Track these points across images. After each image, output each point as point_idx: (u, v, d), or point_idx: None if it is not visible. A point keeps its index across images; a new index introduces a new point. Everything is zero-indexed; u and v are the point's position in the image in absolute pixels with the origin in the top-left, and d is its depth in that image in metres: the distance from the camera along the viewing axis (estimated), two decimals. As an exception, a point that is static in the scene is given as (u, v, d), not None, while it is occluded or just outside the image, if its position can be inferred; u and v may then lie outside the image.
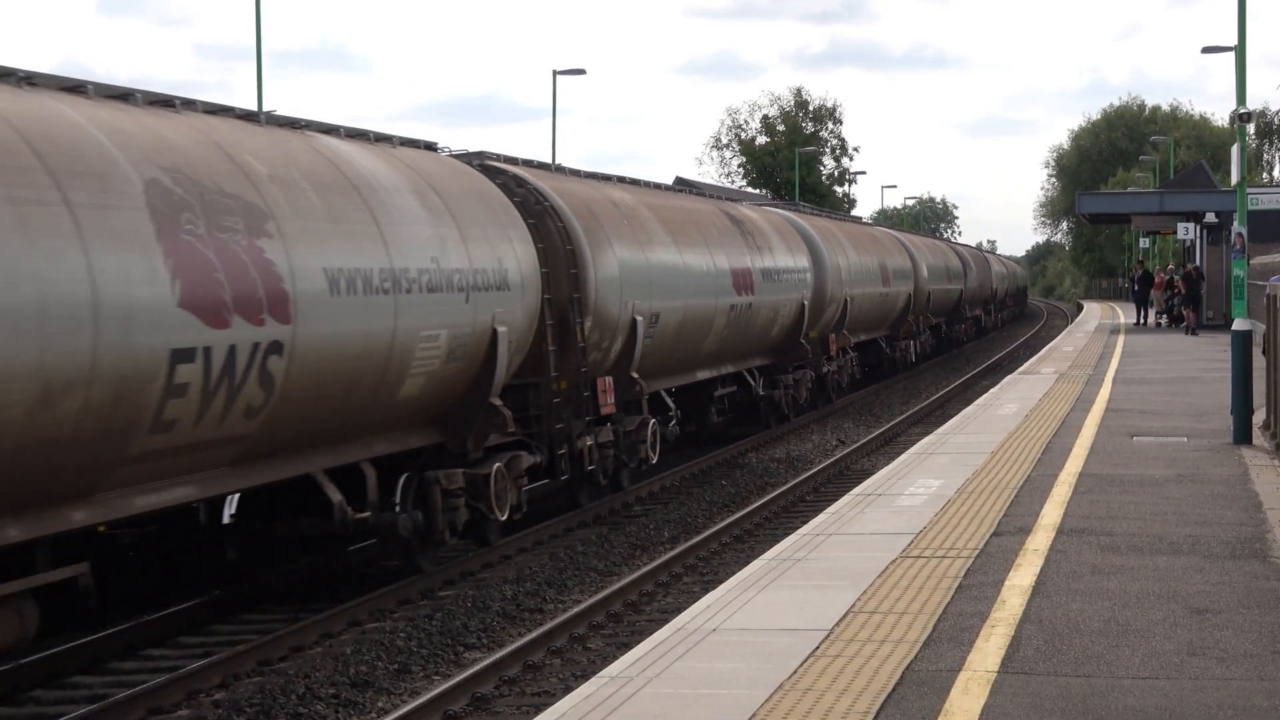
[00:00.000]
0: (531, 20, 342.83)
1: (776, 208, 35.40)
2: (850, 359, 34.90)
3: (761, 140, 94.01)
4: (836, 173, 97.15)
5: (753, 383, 27.36)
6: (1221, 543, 12.01)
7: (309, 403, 12.88)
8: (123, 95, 12.31)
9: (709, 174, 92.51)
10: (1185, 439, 18.99)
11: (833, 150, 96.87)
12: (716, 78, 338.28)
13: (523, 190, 18.59)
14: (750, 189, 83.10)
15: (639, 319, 20.34)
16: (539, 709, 10.08)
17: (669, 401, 22.33)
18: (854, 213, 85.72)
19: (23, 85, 11.17)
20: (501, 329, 15.91)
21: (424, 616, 14.27)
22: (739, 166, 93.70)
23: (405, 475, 15.03)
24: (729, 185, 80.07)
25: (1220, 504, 13.95)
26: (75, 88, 11.81)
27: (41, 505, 10.41)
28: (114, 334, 10.39)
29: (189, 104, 13.06)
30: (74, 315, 10.09)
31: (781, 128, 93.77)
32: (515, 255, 16.70)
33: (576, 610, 14.05)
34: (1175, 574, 10.88)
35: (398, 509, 14.68)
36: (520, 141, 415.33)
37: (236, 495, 13.53)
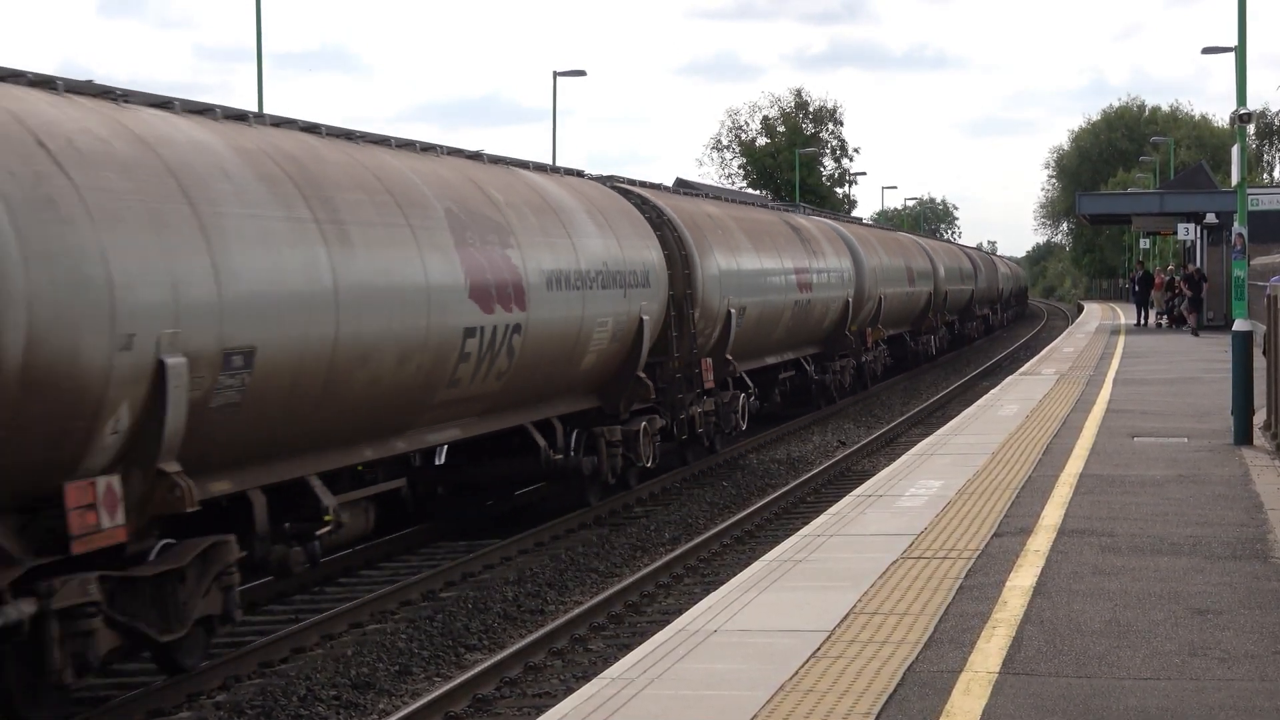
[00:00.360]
0: (532, 21, 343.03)
1: (824, 217, 40.66)
2: (883, 350, 39.44)
3: (762, 141, 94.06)
4: (837, 174, 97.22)
5: (808, 368, 31.39)
6: (1223, 543, 12.01)
7: (531, 370, 17.37)
8: (409, 145, 16.87)
9: (709, 175, 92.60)
10: (1186, 440, 18.99)
11: (833, 151, 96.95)
12: (717, 79, 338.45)
13: (646, 207, 22.78)
14: (750, 190, 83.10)
15: (733, 311, 24.58)
16: (540, 710, 10.09)
17: (748, 381, 26.09)
18: (854, 214, 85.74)
19: (357, 140, 15.56)
20: (645, 317, 20.64)
21: (425, 618, 14.27)
22: (739, 168, 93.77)
23: (577, 430, 19.23)
24: (729, 186, 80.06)
25: (1221, 504, 13.95)
26: (380, 140, 16.17)
27: (382, 437, 14.67)
28: (436, 315, 14.74)
29: (429, 147, 17.41)
30: (417, 301, 14.42)
31: (782, 129, 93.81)
32: (651, 259, 21.41)
33: (577, 611, 14.05)
34: (1176, 575, 10.88)
35: (573, 455, 19.00)
36: (522, 143, 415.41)
37: (445, 445, 17.25)
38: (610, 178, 23.50)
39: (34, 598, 9.99)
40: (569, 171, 21.72)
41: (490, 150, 19.25)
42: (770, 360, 28.78)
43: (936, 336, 50.05)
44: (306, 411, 12.82)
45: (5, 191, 9.70)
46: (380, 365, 13.77)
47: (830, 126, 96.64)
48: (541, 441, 18.37)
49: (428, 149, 17.26)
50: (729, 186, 78.59)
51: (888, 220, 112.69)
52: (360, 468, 14.88)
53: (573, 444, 19.01)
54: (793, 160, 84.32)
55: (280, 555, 13.00)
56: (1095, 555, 11.60)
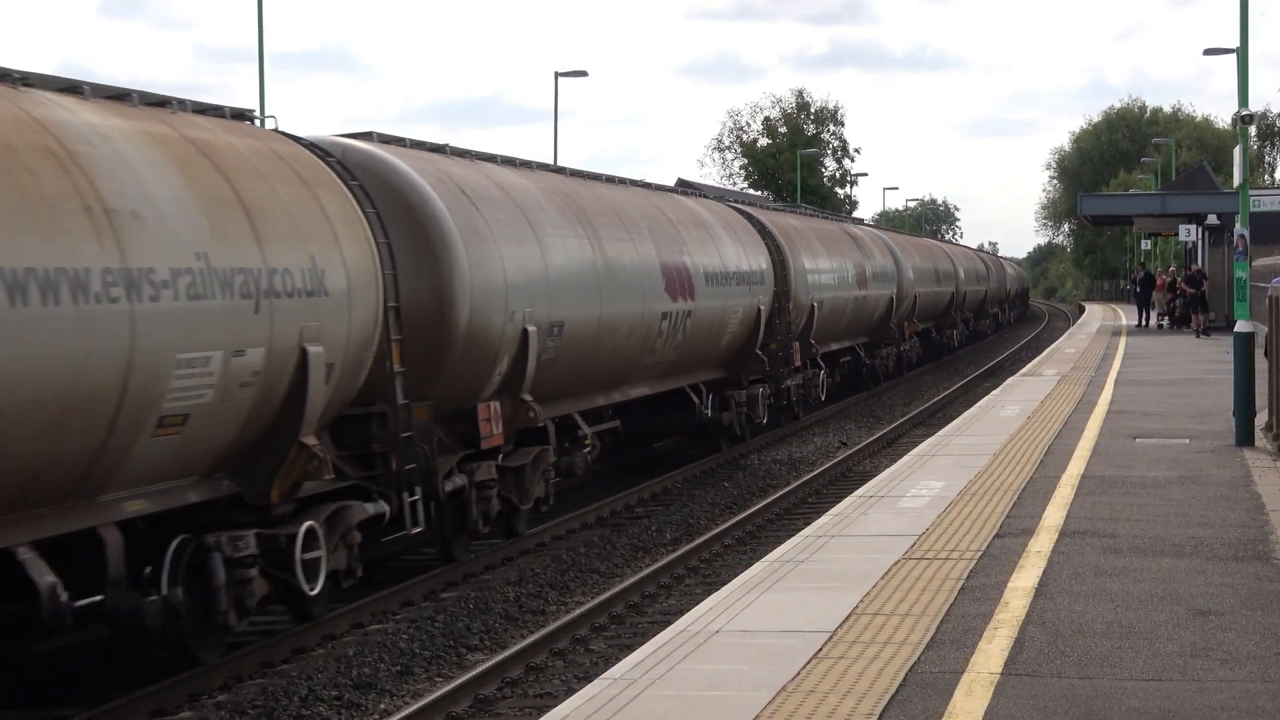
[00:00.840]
0: (532, 22, 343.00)
1: (872, 227, 43.78)
2: (916, 342, 43.11)
3: (763, 142, 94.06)
4: (838, 174, 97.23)
5: (861, 354, 35.57)
6: (1224, 544, 12.01)
7: (693, 345, 23.39)
8: (621, 181, 24.23)
9: (710, 176, 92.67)
10: (1187, 441, 18.98)
11: (834, 152, 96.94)
12: (717, 79, 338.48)
13: (753, 221, 28.88)
14: (752, 190, 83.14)
15: (815, 304, 30.79)
16: (542, 710, 10.10)
17: (821, 363, 29.35)
18: (855, 214, 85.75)
19: (586, 178, 22.01)
20: (762, 308, 26.73)
21: (426, 618, 14.27)
22: (740, 168, 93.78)
23: (713, 394, 25.23)
24: (730, 187, 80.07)
25: (1223, 505, 13.95)
26: (599, 178, 22.87)
27: (608, 389, 20.76)
28: (648, 303, 21.14)
29: (628, 181, 24.39)
30: (644, 290, 21.12)
31: (783, 129, 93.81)
32: (762, 263, 27.41)
33: (579, 612, 14.05)
34: (1178, 575, 10.88)
35: (713, 412, 25.08)
36: (523, 144, 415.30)
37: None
38: (721, 198, 32.02)
39: (463, 474, 16.04)
40: (701, 193, 30.42)
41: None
42: (835, 346, 34.96)
43: (957, 331, 56.75)
44: (579, 368, 19.02)
45: (457, 224, 15.92)
46: (616, 336, 19.98)
47: (831, 127, 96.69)
48: (696, 400, 24.27)
49: (627, 182, 24.41)
50: (730, 188, 78.56)
51: (889, 221, 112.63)
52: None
53: (710, 404, 24.88)
54: (794, 161, 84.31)
55: (567, 463, 19.13)
56: (1097, 556, 11.60)
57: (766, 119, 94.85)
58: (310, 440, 12.77)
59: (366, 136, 16.56)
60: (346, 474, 13.92)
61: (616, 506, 20.45)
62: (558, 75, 50.09)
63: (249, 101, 49.47)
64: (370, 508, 14.13)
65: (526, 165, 20.35)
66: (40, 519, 10.37)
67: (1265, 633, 9.21)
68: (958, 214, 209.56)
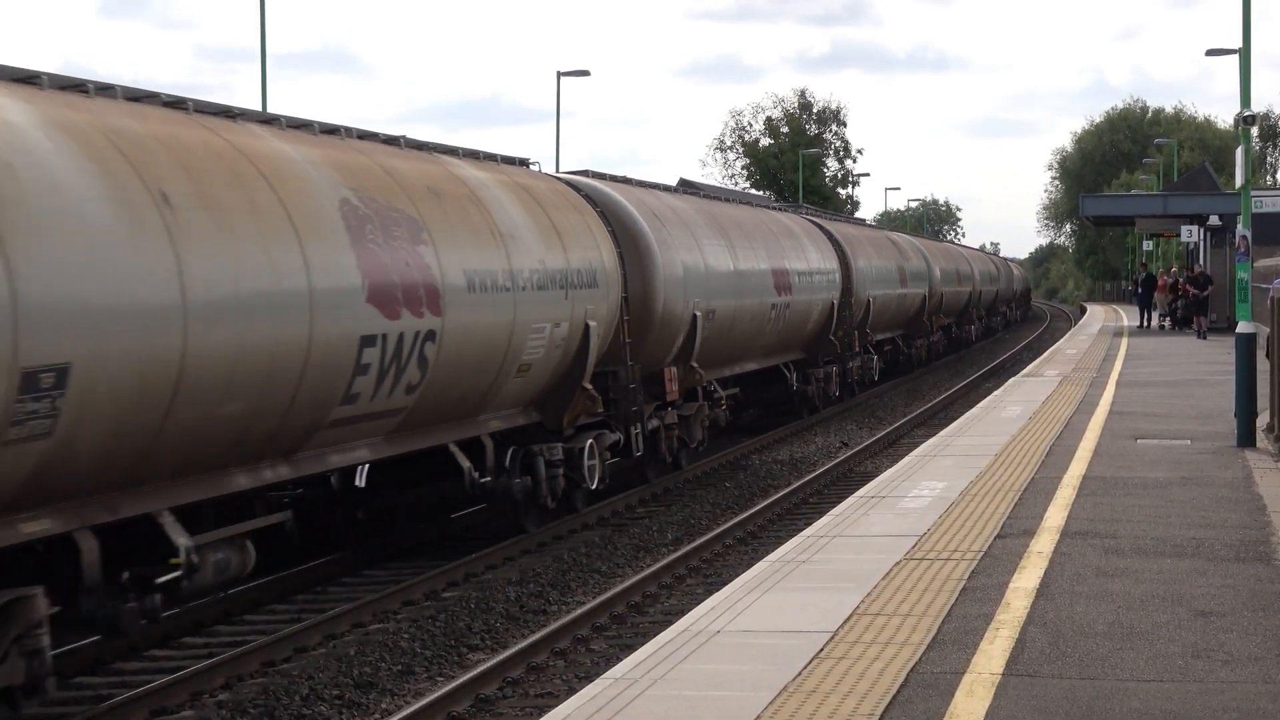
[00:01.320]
0: (534, 23, 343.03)
1: (807, 215, 41.29)
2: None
3: (765, 142, 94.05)
4: (840, 175, 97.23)
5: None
6: (1226, 545, 12.01)
7: (789, 330, 28.84)
8: (738, 197, 30.90)
9: (712, 175, 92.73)
10: (1189, 442, 18.98)
11: (836, 152, 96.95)
12: (719, 80, 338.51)
13: (821, 228, 33.67)
14: (754, 191, 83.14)
15: (870, 299, 35.88)
16: (543, 710, 10.09)
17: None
18: (857, 215, 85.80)
19: (705, 195, 26.90)
20: (834, 301, 32.05)
21: (428, 618, 14.27)
22: (742, 168, 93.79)
23: (796, 371, 29.95)
24: (732, 187, 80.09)
25: (1224, 507, 13.95)
26: (720, 196, 28.09)
27: (731, 364, 25.72)
28: (763, 296, 26.61)
29: (740, 199, 28.56)
30: (761, 287, 26.62)
31: (785, 130, 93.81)
32: (833, 264, 32.41)
33: (580, 612, 14.05)
34: (1180, 576, 10.88)
35: (795, 385, 29.81)
36: (525, 144, 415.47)
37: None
38: (795, 205, 36.77)
39: (657, 419, 21.38)
40: (761, 201, 36.97)
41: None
42: (882, 336, 39.02)
43: (974, 326, 60.15)
44: (720, 345, 23.98)
45: (655, 238, 21.28)
46: (743, 321, 25.24)
47: (834, 127, 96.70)
48: (787, 374, 29.42)
49: (743, 201, 29.82)
50: (732, 187, 78.58)
51: (890, 222, 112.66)
52: None
53: (795, 379, 30.13)
54: (796, 161, 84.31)
55: (713, 415, 23.44)
56: (1098, 557, 11.60)
57: (769, 119, 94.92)
58: (588, 385, 18.57)
59: (584, 174, 22.51)
60: (597, 412, 19.06)
61: (618, 506, 20.45)
62: (560, 75, 50.08)
63: (252, 101, 49.61)
64: (610, 436, 19.60)
65: (679, 190, 27.68)
66: (460, 427, 16.20)
67: (1266, 634, 9.21)
68: (959, 214, 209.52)
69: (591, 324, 18.55)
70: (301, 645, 13.17)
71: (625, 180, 23.87)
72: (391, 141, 16.22)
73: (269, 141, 13.33)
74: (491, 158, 18.54)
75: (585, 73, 50.20)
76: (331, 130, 15.01)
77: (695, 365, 22.86)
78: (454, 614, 14.41)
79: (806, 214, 38.50)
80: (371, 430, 14.28)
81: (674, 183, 35.87)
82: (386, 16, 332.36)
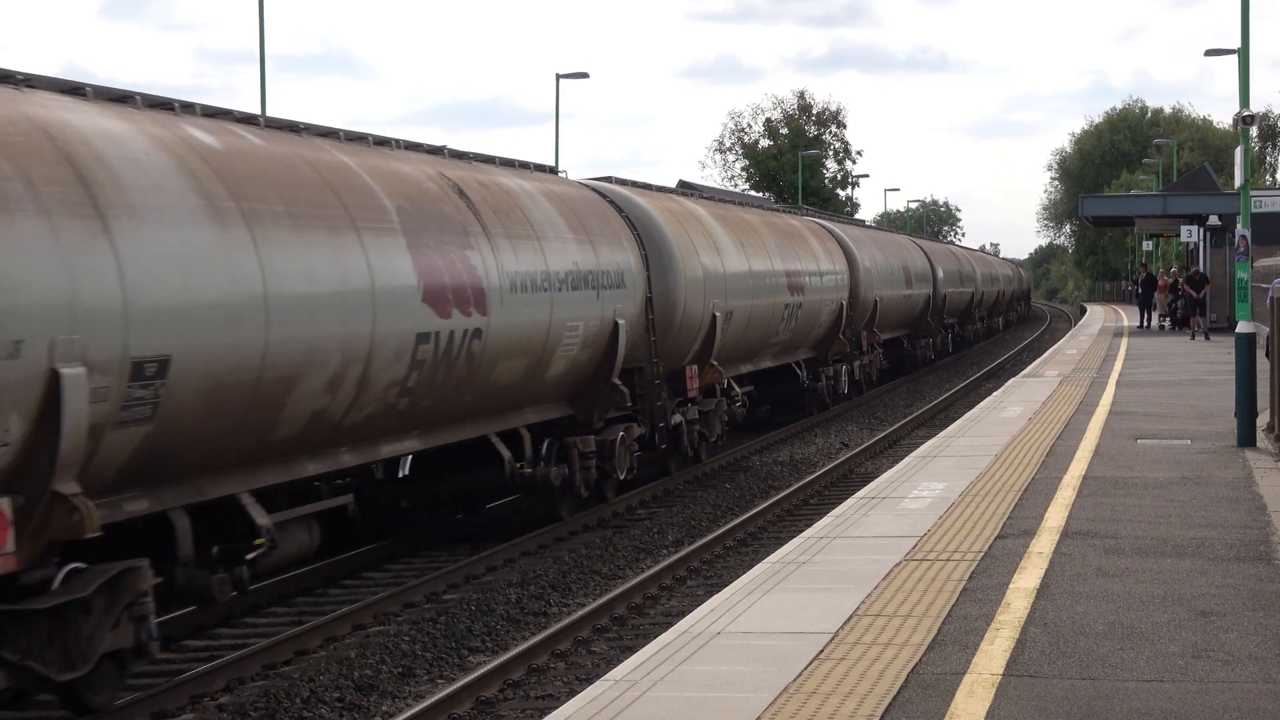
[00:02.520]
0: (533, 25, 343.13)
1: (816, 218, 41.59)
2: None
3: (765, 144, 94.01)
4: (840, 176, 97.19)
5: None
6: (1226, 545, 12.01)
7: (801, 330, 30.07)
8: (751, 201, 34.76)
9: (712, 177, 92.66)
10: (1189, 442, 18.98)
11: (836, 154, 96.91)
12: (718, 81, 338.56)
13: (829, 231, 34.75)
14: (753, 192, 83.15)
15: (877, 300, 36.88)
16: (543, 712, 10.09)
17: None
18: (857, 216, 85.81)
19: (718, 200, 26.87)
20: (843, 301, 33.00)
21: (428, 620, 14.27)
22: (742, 170, 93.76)
23: (807, 369, 31.47)
24: (732, 188, 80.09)
25: (1225, 506, 13.95)
26: (737, 202, 29.26)
27: (746, 361, 26.98)
28: (776, 297, 27.44)
29: (755, 204, 29.71)
30: (775, 288, 27.23)
31: (784, 131, 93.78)
32: (842, 265, 33.51)
33: (581, 613, 14.04)
34: (1180, 576, 10.88)
35: (806, 382, 31.42)
36: (525, 146, 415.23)
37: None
38: (815, 213, 38.43)
39: (679, 414, 22.50)
40: (790, 210, 37.34)
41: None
42: (888, 336, 40.18)
43: (976, 327, 61.16)
44: (737, 344, 25.24)
45: (677, 241, 22.35)
46: (758, 321, 25.89)
47: (833, 129, 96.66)
48: (799, 372, 31.11)
49: (755, 205, 30.97)
50: (732, 189, 78.58)
51: (890, 223, 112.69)
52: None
53: (806, 376, 31.12)
54: (795, 162, 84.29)
55: (729, 411, 24.96)
56: (1099, 557, 11.60)
57: (768, 120, 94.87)
58: (617, 381, 19.46)
59: (608, 179, 23.48)
60: (625, 406, 19.78)
61: (618, 508, 20.45)
62: (559, 77, 50.08)
63: (252, 104, 49.58)
64: (637, 429, 20.36)
65: (698, 194, 28.74)
66: (502, 419, 17.15)
67: (1267, 634, 9.21)
68: (959, 215, 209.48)
69: (620, 322, 19.58)
70: (302, 648, 13.18)
71: (646, 186, 24.85)
72: (435, 152, 17.32)
73: (332, 153, 14.45)
74: (525, 166, 19.77)
75: (584, 75, 50.18)
76: (383, 142, 16.09)
77: (714, 363, 23.80)
78: (454, 616, 14.41)
79: (814, 216, 39.60)
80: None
81: (673, 184, 36.00)
82: (387, 19, 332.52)
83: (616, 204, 21.58)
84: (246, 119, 13.94)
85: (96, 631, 10.37)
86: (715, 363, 23.79)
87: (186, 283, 11.19)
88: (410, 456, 16.63)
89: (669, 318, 22.01)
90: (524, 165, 19.88)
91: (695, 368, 23.23)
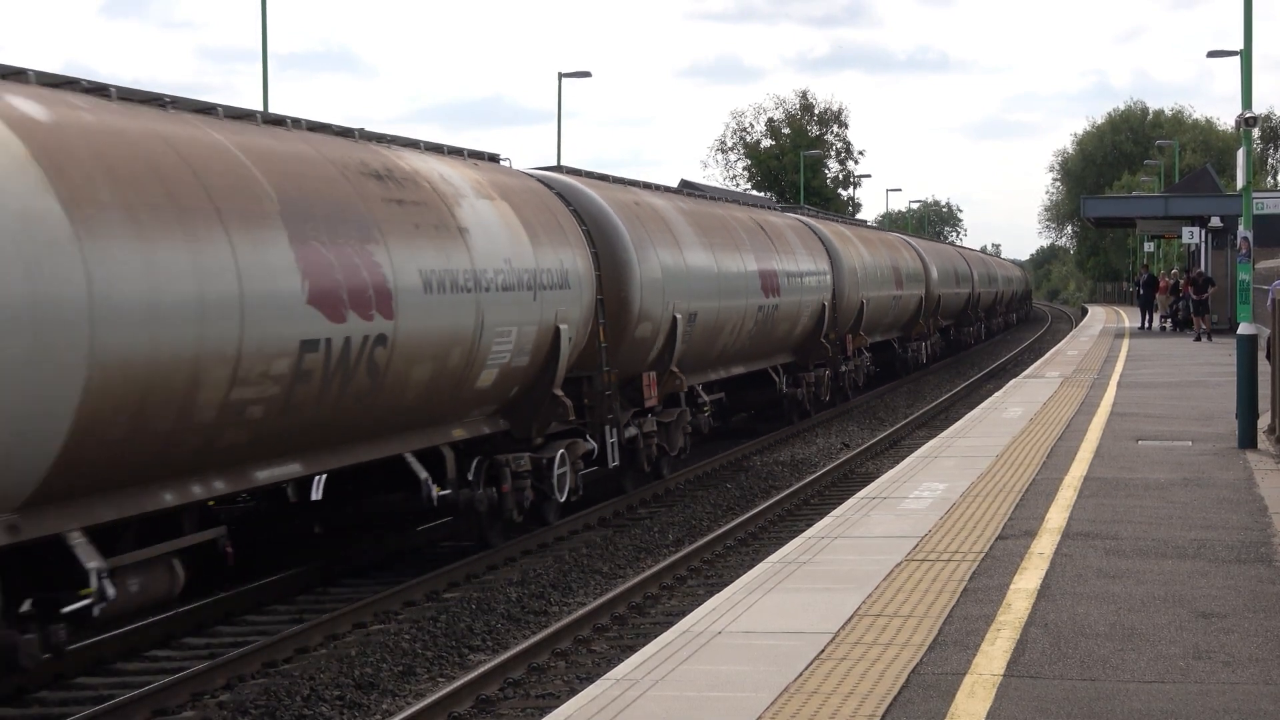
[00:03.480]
0: (534, 24, 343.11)
1: (796, 214, 40.22)
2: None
3: (766, 143, 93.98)
4: (841, 176, 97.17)
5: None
6: (1227, 546, 12.00)
7: (777, 333, 28.85)
8: (740, 199, 34.15)
9: (714, 177, 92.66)
10: (1190, 443, 18.97)
11: (838, 154, 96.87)
12: (719, 81, 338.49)
13: (812, 228, 33.64)
14: (755, 192, 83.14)
15: (864, 301, 35.60)
16: (544, 711, 10.09)
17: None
18: (859, 216, 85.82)
19: (685, 194, 25.51)
20: (825, 303, 31.59)
21: (429, 618, 14.27)
22: (744, 169, 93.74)
23: (786, 375, 29.98)
24: (734, 188, 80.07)
25: (1226, 508, 13.94)
26: (708, 197, 28.23)
27: (715, 368, 25.48)
28: (748, 298, 26.16)
29: (727, 198, 29.00)
30: (746, 288, 26.08)
31: (786, 131, 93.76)
32: (824, 265, 32.36)
33: (581, 613, 14.04)
34: (1181, 578, 10.88)
35: (784, 389, 29.83)
36: (526, 145, 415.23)
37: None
38: (796, 208, 40.16)
39: (635, 426, 21.00)
40: (706, 194, 34.05)
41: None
42: (876, 339, 38.99)
43: (972, 329, 60.42)
44: (703, 349, 23.96)
45: (632, 237, 20.72)
46: (728, 324, 24.97)
47: (835, 129, 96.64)
48: (776, 378, 29.56)
49: (731, 199, 30.78)
50: (734, 189, 78.55)
51: (892, 223, 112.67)
52: None
53: (784, 383, 29.75)
54: (797, 162, 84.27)
55: (695, 422, 23.70)
56: (1100, 558, 11.60)
57: (770, 120, 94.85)
58: (558, 392, 17.63)
59: (558, 169, 21.87)
60: (569, 420, 18.10)
61: (619, 507, 20.44)
62: (561, 76, 50.06)
63: (253, 101, 49.64)
64: (584, 445, 18.74)
65: (660, 189, 25.61)
66: (419, 436, 15.28)
67: (1268, 635, 9.20)
68: (961, 216, 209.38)
69: (563, 327, 17.67)
70: (303, 646, 13.18)
71: (603, 177, 22.96)
72: (345, 134, 15.38)
73: (204, 131, 12.58)
74: (458, 151, 17.64)
75: (586, 74, 50.18)
76: (276, 121, 14.29)
77: (675, 370, 22.08)
78: (455, 615, 14.41)
79: (798, 213, 38.32)
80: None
81: (675, 184, 36.05)
82: (388, 17, 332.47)
83: (564, 196, 19.72)
84: (96, 89, 11.94)
85: None
86: (677, 369, 22.02)
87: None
88: (323, 478, 14.94)
89: (622, 321, 20.24)
90: (457, 151, 17.66)
91: (654, 375, 21.52)
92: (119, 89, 12.21)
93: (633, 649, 11.72)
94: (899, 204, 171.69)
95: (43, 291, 9.79)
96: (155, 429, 11.00)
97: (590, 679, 10.96)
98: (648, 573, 15.90)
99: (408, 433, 15.06)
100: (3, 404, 9.56)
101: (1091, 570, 11.14)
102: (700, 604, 11.05)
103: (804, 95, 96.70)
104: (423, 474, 15.16)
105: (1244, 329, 19.63)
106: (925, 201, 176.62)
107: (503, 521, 17.20)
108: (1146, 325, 53.35)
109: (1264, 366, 20.37)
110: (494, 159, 18.82)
